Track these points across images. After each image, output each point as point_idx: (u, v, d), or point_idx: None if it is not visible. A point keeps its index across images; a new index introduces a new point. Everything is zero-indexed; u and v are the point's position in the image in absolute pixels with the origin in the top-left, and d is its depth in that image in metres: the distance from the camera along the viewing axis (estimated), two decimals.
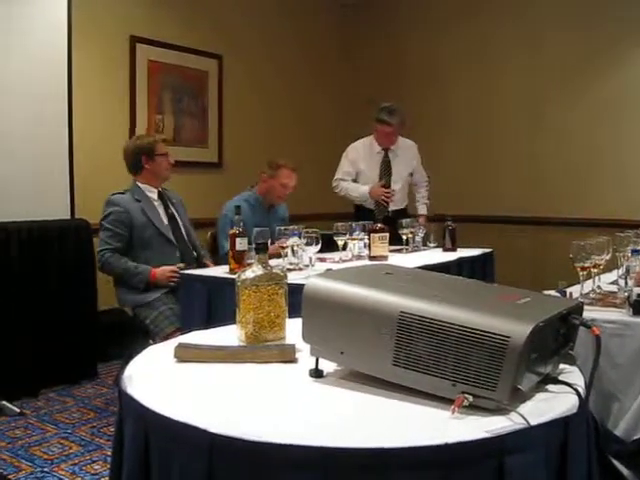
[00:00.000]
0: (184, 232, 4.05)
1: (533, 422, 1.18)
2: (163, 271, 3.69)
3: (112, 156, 4.05)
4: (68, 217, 4.61)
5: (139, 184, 3.99)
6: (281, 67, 6.38)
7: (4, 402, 3.93)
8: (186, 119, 5.65)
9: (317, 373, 1.47)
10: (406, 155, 5.17)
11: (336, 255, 3.57)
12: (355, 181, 5.11)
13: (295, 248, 3.15)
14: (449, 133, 6.48)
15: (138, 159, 3.97)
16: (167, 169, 4.04)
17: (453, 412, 1.22)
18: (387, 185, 4.94)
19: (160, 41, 5.49)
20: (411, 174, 5.19)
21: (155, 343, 1.79)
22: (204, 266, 3.84)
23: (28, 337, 4.23)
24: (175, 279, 3.61)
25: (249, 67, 6.13)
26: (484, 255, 4.19)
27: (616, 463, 2.12)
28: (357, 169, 5.12)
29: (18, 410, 3.92)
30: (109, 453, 3.24)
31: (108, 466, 3.05)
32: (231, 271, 3.01)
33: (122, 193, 3.93)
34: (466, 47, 6.37)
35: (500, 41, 6.18)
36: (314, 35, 6.87)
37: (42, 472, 3.14)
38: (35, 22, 4.43)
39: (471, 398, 1.23)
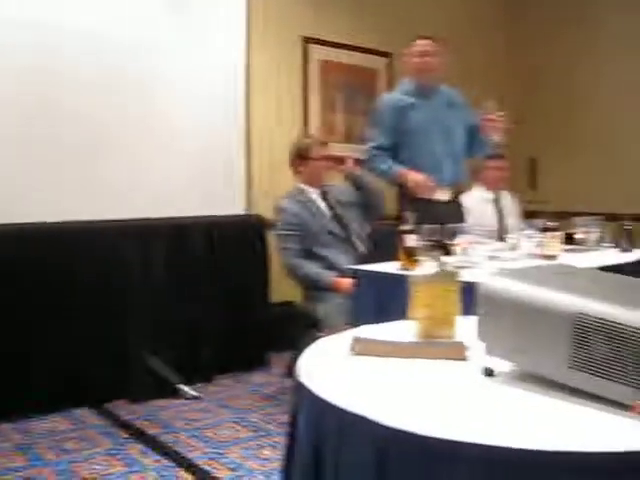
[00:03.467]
0: (351, 228, 4.11)
1: None
2: (346, 283, 3.63)
3: (287, 155, 4.18)
4: (244, 212, 4.84)
5: (301, 185, 4.12)
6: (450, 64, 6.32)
7: (182, 385, 4.16)
8: (357, 117, 5.72)
9: (490, 372, 1.47)
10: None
11: (507, 254, 3.51)
12: None
13: (466, 246, 3.13)
14: (625, 126, 6.18)
15: (294, 161, 4.11)
16: (323, 172, 4.13)
17: (635, 418, 1.18)
18: None
19: (331, 41, 5.61)
20: None
21: (323, 336, 1.84)
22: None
23: (206, 326, 4.46)
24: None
25: None
26: None
27: None
28: None
29: (195, 394, 4.15)
30: (278, 440, 3.38)
31: (277, 452, 3.18)
32: (402, 267, 3.03)
33: (289, 196, 4.09)
34: None
35: None
36: (481, 30, 6.76)
37: (215, 453, 3.30)
38: (212, 26, 4.69)
39: None
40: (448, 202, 4.07)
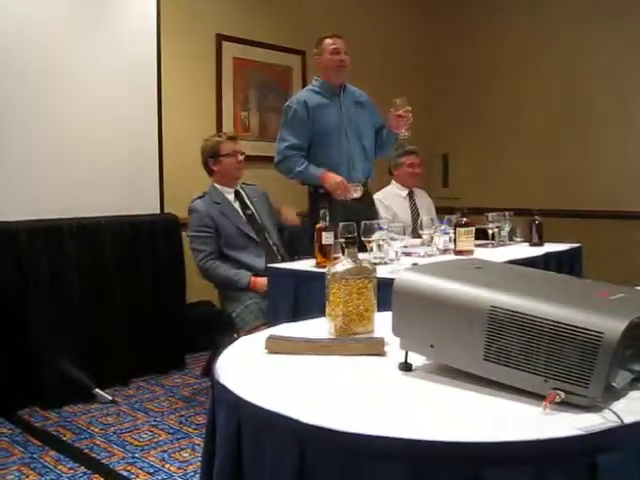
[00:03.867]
0: (265, 230, 4.10)
1: (627, 420, 1.16)
2: (262, 282, 3.70)
3: (199, 152, 4.14)
4: (158, 212, 4.76)
5: (215, 185, 4.08)
6: (361, 64, 6.38)
7: (97, 390, 4.07)
8: (271, 114, 5.71)
9: (406, 366, 1.48)
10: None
11: (421, 250, 3.55)
12: None
13: (380, 242, 3.15)
14: (532, 124, 6.36)
15: (206, 162, 4.06)
16: (236, 168, 4.09)
17: (545, 408, 1.21)
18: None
19: (245, 39, 5.59)
20: None
21: (240, 336, 1.82)
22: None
23: (120, 328, 4.37)
24: None
25: None
26: (572, 250, 4.09)
27: None
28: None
29: (110, 398, 4.06)
30: (197, 442, 3.34)
31: (196, 454, 3.15)
32: (318, 265, 3.03)
33: (202, 196, 4.03)
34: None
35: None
36: (396, 29, 6.84)
37: (133, 458, 3.25)
38: (124, 22, 4.59)
39: (563, 394, 1.21)
40: (362, 199, 4.08)
